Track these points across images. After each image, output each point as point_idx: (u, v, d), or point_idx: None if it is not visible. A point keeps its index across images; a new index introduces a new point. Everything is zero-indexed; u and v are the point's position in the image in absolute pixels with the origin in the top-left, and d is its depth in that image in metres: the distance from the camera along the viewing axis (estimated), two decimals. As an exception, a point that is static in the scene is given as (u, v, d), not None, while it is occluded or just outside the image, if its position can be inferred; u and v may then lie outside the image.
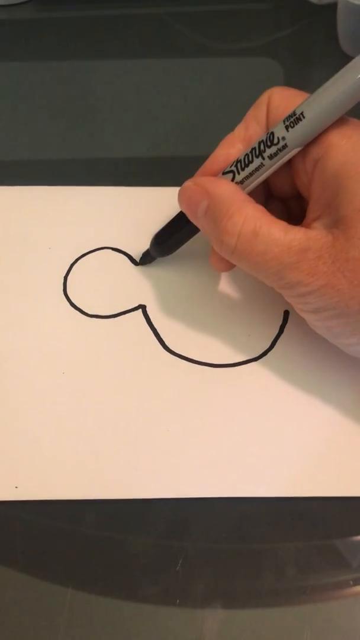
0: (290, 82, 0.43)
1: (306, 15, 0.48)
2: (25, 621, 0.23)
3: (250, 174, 0.26)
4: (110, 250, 0.33)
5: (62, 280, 0.32)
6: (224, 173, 0.27)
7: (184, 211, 0.28)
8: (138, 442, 0.27)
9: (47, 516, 0.25)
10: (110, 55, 0.47)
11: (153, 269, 0.33)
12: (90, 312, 0.31)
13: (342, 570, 0.24)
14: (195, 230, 0.29)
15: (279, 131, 0.24)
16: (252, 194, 0.26)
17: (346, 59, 0.43)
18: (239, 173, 0.26)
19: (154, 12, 0.50)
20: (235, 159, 0.26)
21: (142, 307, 0.31)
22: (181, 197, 0.27)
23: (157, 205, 0.35)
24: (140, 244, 0.33)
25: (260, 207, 0.25)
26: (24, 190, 0.36)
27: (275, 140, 0.24)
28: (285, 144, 0.24)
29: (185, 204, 0.27)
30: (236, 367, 0.29)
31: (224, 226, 0.25)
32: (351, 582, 0.24)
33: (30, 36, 0.49)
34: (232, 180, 0.26)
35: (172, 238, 0.31)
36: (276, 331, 0.30)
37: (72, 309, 0.31)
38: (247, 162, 0.26)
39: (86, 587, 0.24)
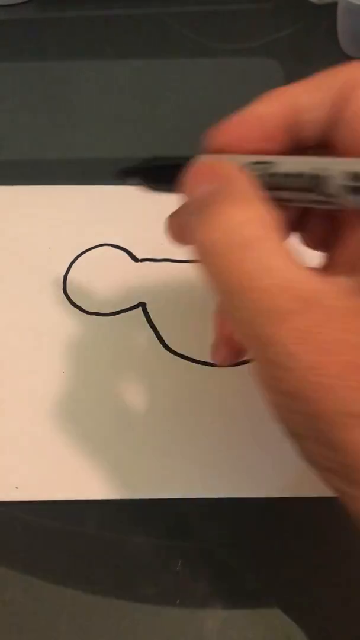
0: (290, 82, 0.43)
1: (306, 15, 0.48)
2: (25, 621, 0.23)
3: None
4: (110, 248, 0.33)
5: (62, 279, 0.32)
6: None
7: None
8: (138, 442, 0.27)
9: (47, 516, 0.25)
10: (110, 55, 0.47)
11: (154, 267, 0.33)
12: (90, 310, 0.31)
13: (342, 570, 0.24)
14: None
15: (337, 189, 0.17)
16: None
17: (346, 58, 0.44)
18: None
19: (154, 12, 0.50)
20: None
21: (142, 305, 0.31)
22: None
23: (156, 203, 0.35)
24: (140, 242, 0.33)
25: None
26: (24, 190, 0.36)
27: (328, 193, 0.17)
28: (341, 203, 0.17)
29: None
30: (236, 367, 0.29)
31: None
32: (351, 582, 0.24)
33: (30, 36, 0.49)
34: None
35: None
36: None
37: (72, 307, 0.31)
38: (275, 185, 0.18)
39: (86, 587, 0.24)
